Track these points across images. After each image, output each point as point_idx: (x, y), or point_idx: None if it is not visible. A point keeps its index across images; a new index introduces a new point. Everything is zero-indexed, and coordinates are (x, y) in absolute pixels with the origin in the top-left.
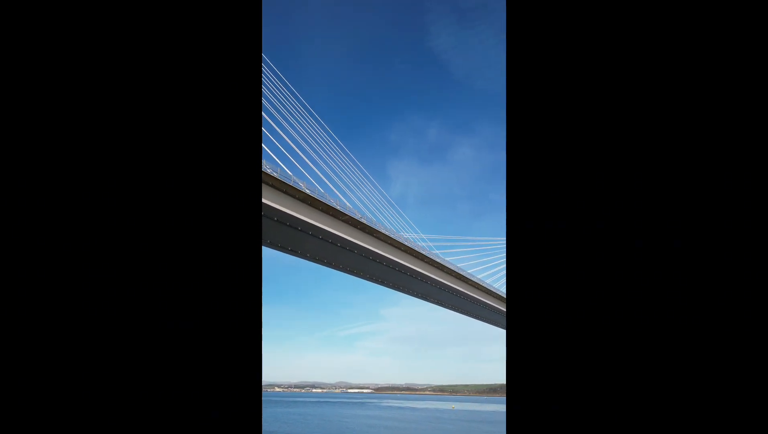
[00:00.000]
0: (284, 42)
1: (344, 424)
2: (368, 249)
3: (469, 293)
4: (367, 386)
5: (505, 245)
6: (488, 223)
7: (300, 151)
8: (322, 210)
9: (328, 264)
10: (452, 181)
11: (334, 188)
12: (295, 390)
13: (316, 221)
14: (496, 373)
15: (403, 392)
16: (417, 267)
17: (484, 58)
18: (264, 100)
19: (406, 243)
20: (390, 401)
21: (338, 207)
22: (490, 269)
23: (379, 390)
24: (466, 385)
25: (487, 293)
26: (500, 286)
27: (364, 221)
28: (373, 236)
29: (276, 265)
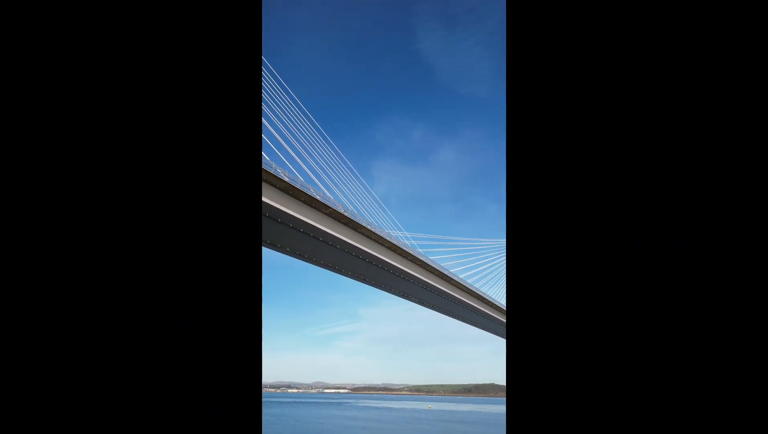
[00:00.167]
0: (271, 34)
1: (320, 425)
2: (351, 244)
3: (450, 292)
4: (344, 386)
5: (486, 247)
6: (469, 225)
7: (282, 140)
8: (304, 201)
9: (309, 259)
10: (435, 183)
11: (317, 180)
12: (270, 390)
13: (297, 213)
14: (471, 373)
15: (380, 392)
16: (400, 265)
17: (469, 64)
18: None
19: (390, 240)
20: (367, 401)
21: (321, 199)
22: (471, 269)
23: (356, 390)
24: (442, 385)
25: (468, 293)
26: (480, 286)
27: (348, 215)
28: (357, 231)
29: None
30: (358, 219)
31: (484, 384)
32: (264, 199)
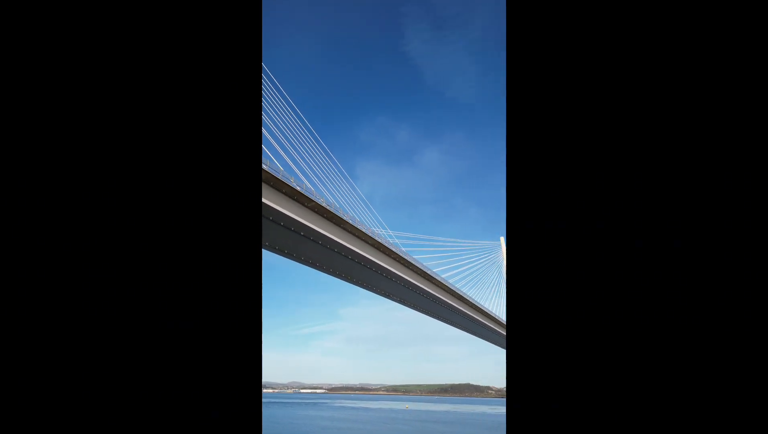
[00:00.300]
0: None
1: (296, 426)
2: (335, 241)
3: (432, 292)
4: (320, 386)
5: (468, 249)
6: (452, 227)
7: (265, 130)
8: (286, 193)
9: (289, 255)
10: (418, 184)
11: (300, 174)
12: None
13: (278, 205)
14: (448, 374)
15: (356, 392)
16: (384, 263)
17: (455, 68)
18: None
19: (374, 237)
20: (344, 401)
21: (303, 191)
22: (454, 270)
23: (333, 390)
24: (419, 385)
25: (449, 293)
26: (461, 286)
27: (332, 210)
28: (341, 227)
29: None
30: (341, 214)
31: (460, 384)
32: None
